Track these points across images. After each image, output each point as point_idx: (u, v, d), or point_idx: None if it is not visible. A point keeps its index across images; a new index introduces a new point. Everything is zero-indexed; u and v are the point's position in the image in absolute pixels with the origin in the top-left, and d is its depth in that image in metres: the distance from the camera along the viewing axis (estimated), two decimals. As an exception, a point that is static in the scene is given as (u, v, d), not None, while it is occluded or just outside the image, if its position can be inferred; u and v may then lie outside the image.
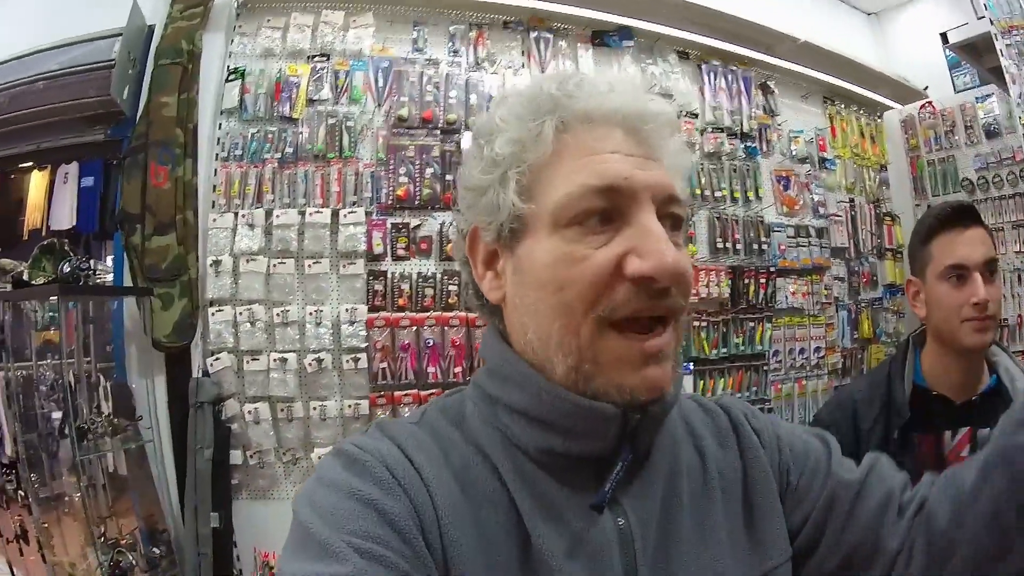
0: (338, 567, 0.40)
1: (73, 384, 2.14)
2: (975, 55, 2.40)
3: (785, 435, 0.59)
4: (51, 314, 2.23)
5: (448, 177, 2.08)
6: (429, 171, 2.07)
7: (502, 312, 0.53)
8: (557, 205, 0.46)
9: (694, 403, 0.60)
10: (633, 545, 0.48)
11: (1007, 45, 1.93)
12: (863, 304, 2.79)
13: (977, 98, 2.83)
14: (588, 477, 0.49)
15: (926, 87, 2.95)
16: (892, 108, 3.02)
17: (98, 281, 2.18)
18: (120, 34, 2.18)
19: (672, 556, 0.49)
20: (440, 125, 2.10)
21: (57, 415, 2.14)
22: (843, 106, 2.86)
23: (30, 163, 2.56)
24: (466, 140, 2.09)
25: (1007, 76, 1.92)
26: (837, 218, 2.70)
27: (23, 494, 2.25)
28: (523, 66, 2.22)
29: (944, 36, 2.45)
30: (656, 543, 0.49)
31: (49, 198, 2.41)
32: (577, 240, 0.46)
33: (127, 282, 2.08)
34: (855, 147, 2.85)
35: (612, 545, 0.47)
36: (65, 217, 2.33)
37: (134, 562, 1.92)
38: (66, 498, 2.20)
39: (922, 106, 2.98)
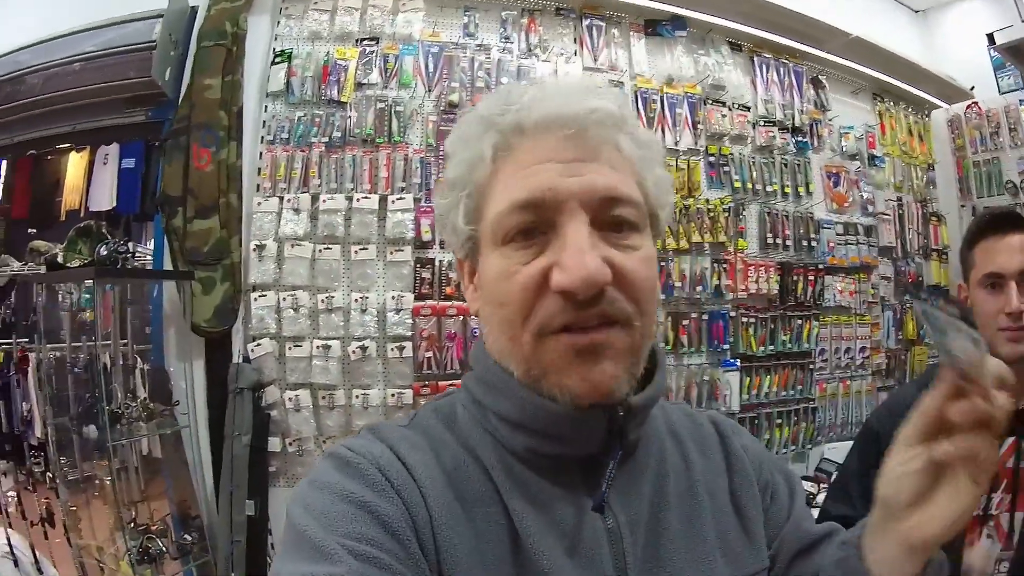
0: (333, 569, 0.41)
1: (109, 367, 2.11)
2: (1020, 57, 2.34)
3: (767, 462, 0.60)
4: (87, 296, 2.20)
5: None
6: (479, 158, 2.01)
7: None
8: (493, 223, 0.48)
9: (681, 411, 0.61)
10: (622, 544, 0.48)
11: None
12: (908, 305, 2.73)
13: (1021, 100, 2.78)
14: (577, 476, 0.50)
15: (972, 87, 2.89)
16: (939, 107, 2.97)
17: (137, 264, 2.14)
18: (161, 15, 2.14)
19: (661, 555, 0.50)
20: None
21: (90, 399, 2.11)
22: (892, 103, 2.81)
23: (67, 144, 2.53)
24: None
25: None
26: (885, 216, 2.65)
27: (51, 476, 2.22)
28: (575, 54, 2.17)
29: (991, 37, 2.41)
30: (645, 542, 0.49)
31: (88, 179, 2.37)
32: (510, 256, 0.47)
33: (167, 265, 2.04)
34: (903, 145, 2.80)
35: (602, 544, 0.48)
36: (105, 198, 2.29)
37: (164, 548, 1.88)
38: (96, 481, 2.17)
39: (968, 106, 2.93)
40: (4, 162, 2.73)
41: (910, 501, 0.40)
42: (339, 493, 0.45)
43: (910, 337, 2.74)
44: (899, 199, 2.74)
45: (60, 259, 2.12)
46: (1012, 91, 2.84)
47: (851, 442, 1.31)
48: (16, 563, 2.15)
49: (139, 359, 2.20)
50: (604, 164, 0.47)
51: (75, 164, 2.45)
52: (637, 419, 0.50)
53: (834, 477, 1.27)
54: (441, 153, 2.02)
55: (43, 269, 2.20)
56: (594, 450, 0.49)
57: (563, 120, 0.47)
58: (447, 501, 0.47)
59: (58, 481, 2.16)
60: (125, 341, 2.17)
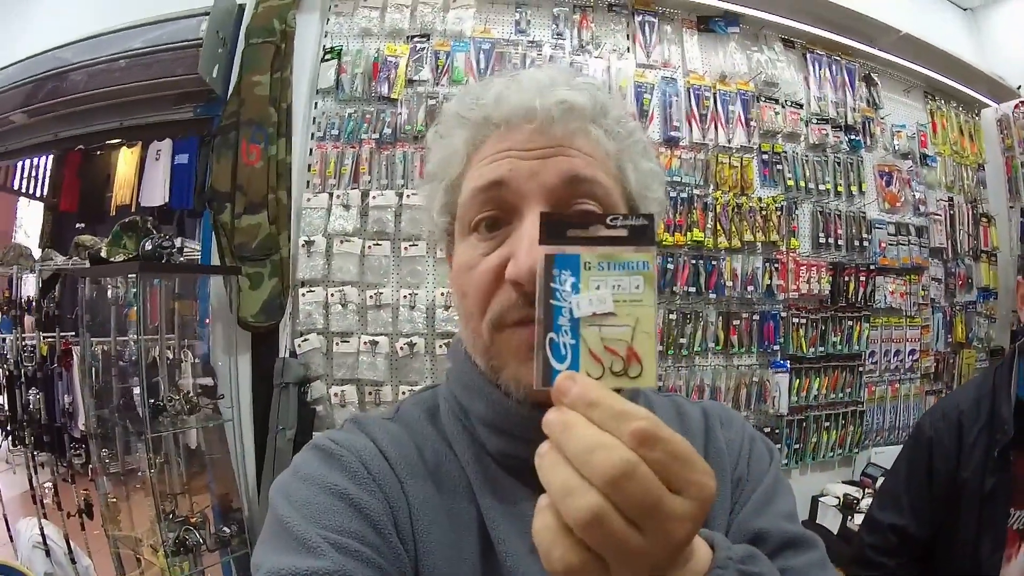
0: (315, 562, 0.40)
1: (157, 360, 2.09)
2: None
3: (754, 458, 0.55)
4: (133, 291, 2.18)
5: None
6: (530, 155, 1.96)
7: None
8: (460, 215, 0.47)
9: (669, 403, 0.58)
10: None
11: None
12: (958, 307, 2.63)
13: None
14: None
15: (1019, 86, 2.78)
16: (988, 106, 2.87)
17: (184, 260, 2.12)
18: (207, 13, 2.11)
19: None
20: None
21: (136, 391, 2.09)
22: (943, 102, 2.71)
23: (117, 140, 2.52)
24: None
25: None
26: (936, 217, 2.55)
27: (92, 468, 2.21)
28: (628, 50, 2.10)
29: None
30: None
31: (139, 175, 2.35)
32: (474, 246, 0.46)
33: (214, 261, 2.02)
34: (955, 144, 2.70)
35: None
36: (157, 194, 2.28)
37: (202, 540, 1.85)
38: (139, 473, 2.15)
39: (1016, 105, 2.82)
40: (51, 157, 2.74)
41: None
42: (322, 485, 0.44)
43: (959, 340, 2.64)
44: (950, 199, 2.64)
45: (104, 253, 2.10)
46: (1058, 90, 2.74)
47: (898, 447, 1.25)
48: (48, 553, 2.14)
49: (187, 353, 2.18)
50: (573, 156, 0.45)
51: (126, 160, 2.44)
52: None
53: (882, 483, 1.21)
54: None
55: (88, 263, 2.18)
56: None
57: (530, 113, 0.45)
58: (426, 495, 0.47)
59: (99, 473, 2.14)
60: (171, 336, 2.16)
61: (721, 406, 0.59)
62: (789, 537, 0.50)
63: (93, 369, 2.24)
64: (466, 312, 0.47)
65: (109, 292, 2.29)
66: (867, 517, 1.16)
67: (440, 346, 1.91)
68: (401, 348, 1.91)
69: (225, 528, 1.95)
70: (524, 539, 0.46)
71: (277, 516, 0.43)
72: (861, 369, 2.33)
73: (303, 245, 1.95)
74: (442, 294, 1.92)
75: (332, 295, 1.94)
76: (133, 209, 2.31)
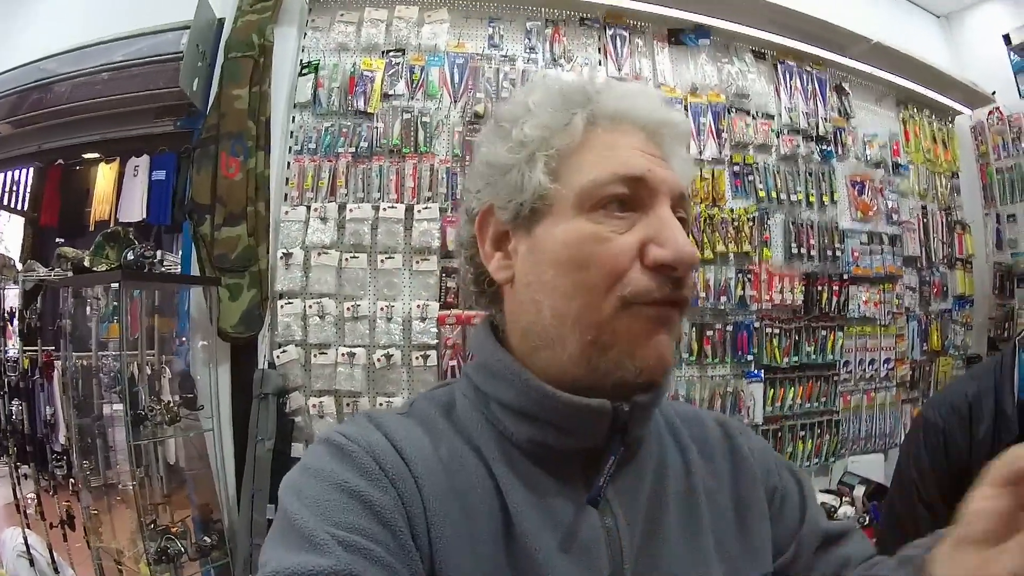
0: (321, 560, 0.40)
1: (136, 372, 2.13)
2: None
3: (776, 465, 0.59)
4: (115, 304, 2.22)
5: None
6: (505, 168, 2.01)
7: (500, 300, 0.53)
8: (583, 189, 0.47)
9: (686, 412, 0.60)
10: (620, 543, 0.47)
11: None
12: (933, 315, 2.69)
13: None
14: (578, 469, 0.49)
15: (993, 92, 2.85)
16: (962, 113, 2.93)
17: (164, 271, 2.16)
18: (188, 27, 2.16)
19: (657, 558, 0.49)
20: None
21: (118, 405, 2.13)
22: (916, 110, 2.77)
23: (96, 155, 2.57)
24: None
25: None
26: (910, 225, 2.61)
27: (73, 481, 2.25)
28: (599, 63, 2.16)
29: (1007, 37, 2.37)
30: (642, 543, 0.48)
31: (118, 191, 2.39)
32: (602, 222, 0.47)
33: (194, 272, 2.06)
34: (928, 152, 2.76)
35: (600, 543, 0.47)
36: (135, 210, 2.33)
37: (183, 549, 1.89)
38: (120, 486, 2.19)
39: (990, 112, 2.88)
40: (32, 169, 2.78)
41: (984, 538, 0.38)
42: (332, 481, 0.44)
43: (935, 348, 2.70)
44: (924, 207, 2.70)
45: (87, 263, 2.14)
46: (1033, 94, 2.79)
47: (875, 455, 1.25)
48: (32, 563, 2.18)
49: (167, 368, 2.22)
50: (673, 169, 0.50)
51: (104, 175, 2.48)
52: (641, 416, 0.49)
53: (897, 482, 1.15)
54: (467, 163, 2.03)
55: (70, 274, 2.22)
56: (596, 444, 0.48)
57: (655, 122, 0.49)
58: (442, 492, 0.46)
59: (80, 486, 2.18)
60: (151, 352, 2.20)
61: (727, 417, 0.62)
62: (842, 529, 0.56)
63: (74, 381, 2.29)
64: (579, 284, 0.46)
65: (88, 307, 2.34)
66: (891, 517, 1.12)
67: (416, 358, 1.96)
68: (378, 360, 1.96)
69: (206, 538, 1.98)
70: (554, 532, 0.46)
71: (285, 512, 0.43)
72: (836, 378, 2.38)
73: (281, 257, 2.00)
74: (418, 306, 1.97)
75: (310, 307, 1.98)
76: (112, 225, 2.34)
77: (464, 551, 0.45)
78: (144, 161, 2.37)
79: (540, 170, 0.48)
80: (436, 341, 1.96)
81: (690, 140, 0.55)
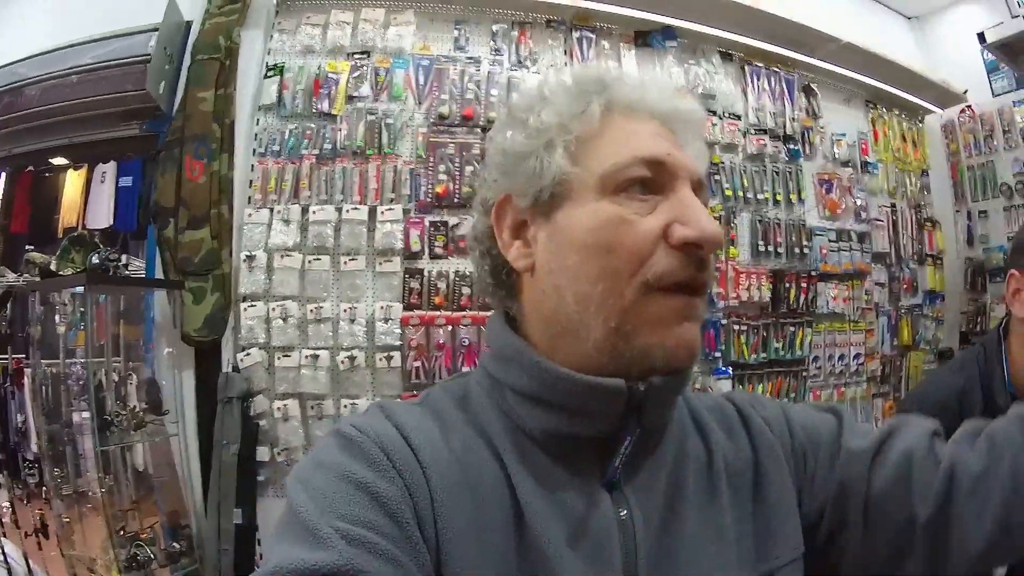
0: (323, 554, 0.39)
1: (104, 378, 2.12)
2: (1012, 55, 2.33)
3: (796, 416, 0.57)
4: (82, 309, 2.21)
5: (488, 175, 2.02)
6: (469, 169, 2.02)
7: (518, 292, 0.53)
8: (605, 172, 0.47)
9: (704, 397, 0.59)
10: (635, 538, 0.46)
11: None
12: (903, 310, 2.70)
13: (1015, 102, 2.75)
14: (593, 459, 0.48)
15: (965, 91, 2.87)
16: (933, 112, 2.95)
17: (129, 275, 2.15)
18: (156, 29, 2.16)
19: (673, 551, 0.47)
20: (481, 123, 2.05)
21: (86, 412, 2.11)
22: (885, 109, 2.78)
23: (65, 161, 2.55)
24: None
25: None
26: (879, 223, 2.63)
27: (45, 489, 2.22)
28: (565, 65, 2.15)
29: (981, 36, 2.39)
30: (657, 537, 0.47)
31: (86, 197, 2.38)
32: (624, 204, 0.47)
33: (159, 276, 2.05)
34: (897, 151, 2.77)
35: (612, 536, 0.46)
36: (103, 216, 2.31)
37: (152, 556, 1.87)
38: (90, 493, 2.16)
39: (961, 110, 2.90)
40: (3, 175, 2.76)
41: None
42: (339, 472, 0.44)
43: (906, 343, 2.71)
44: (893, 205, 2.71)
45: (53, 267, 2.13)
46: (1006, 93, 2.81)
47: None
48: (10, 572, 2.15)
49: (133, 374, 2.21)
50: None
51: (73, 182, 2.47)
52: (658, 399, 0.48)
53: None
54: (431, 164, 2.02)
55: (39, 279, 2.20)
56: (611, 428, 0.47)
57: (669, 112, 0.50)
58: (451, 483, 0.46)
59: (52, 494, 2.16)
60: (117, 359, 2.18)
61: (743, 392, 0.63)
62: (887, 430, 0.53)
63: (44, 389, 2.26)
64: (603, 268, 0.46)
65: (58, 313, 2.32)
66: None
67: (380, 359, 1.95)
68: (342, 362, 1.94)
69: (175, 544, 1.97)
70: (565, 524, 0.46)
71: (291, 505, 0.43)
72: (805, 374, 2.38)
73: (245, 260, 1.99)
74: (381, 308, 1.96)
75: (273, 309, 1.96)
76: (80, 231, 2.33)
77: (471, 542, 0.44)
78: (111, 167, 2.36)
79: (559, 155, 0.48)
80: (400, 342, 1.95)
81: (704, 129, 0.56)
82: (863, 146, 2.62)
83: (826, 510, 0.52)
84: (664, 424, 0.51)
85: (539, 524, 0.45)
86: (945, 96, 2.87)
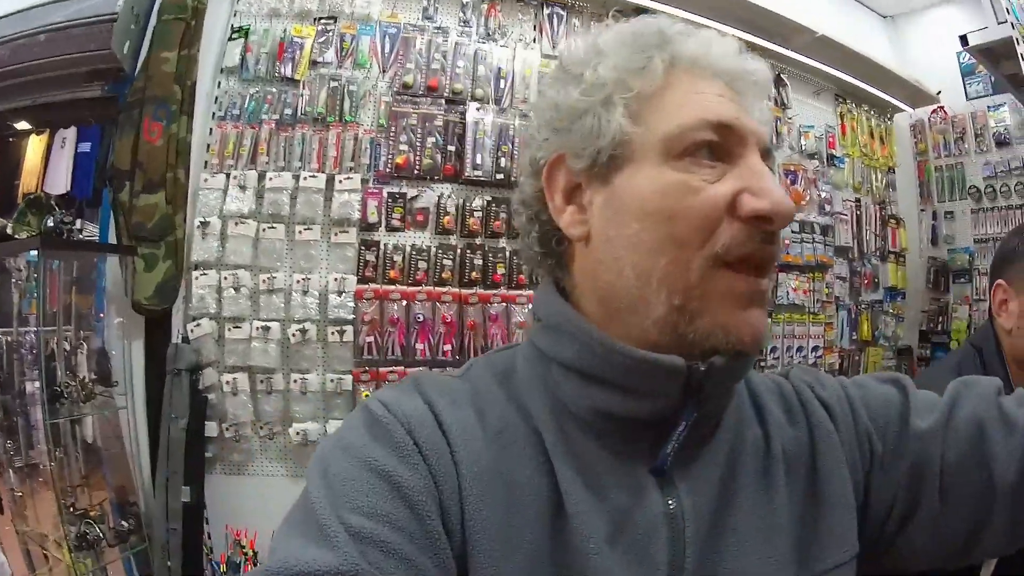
0: (328, 555, 0.36)
1: (55, 347, 2.01)
2: (993, 60, 2.28)
3: (857, 395, 0.51)
4: (36, 276, 2.10)
5: (450, 148, 1.93)
6: (431, 140, 1.93)
7: (568, 261, 0.48)
8: (669, 134, 0.43)
9: (759, 377, 0.54)
10: (683, 533, 0.42)
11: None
12: (864, 306, 2.66)
13: (989, 107, 2.73)
14: (643, 445, 0.44)
15: (939, 92, 2.84)
16: (903, 111, 2.92)
17: (83, 239, 2.04)
18: (126, -13, 2.03)
19: (723, 548, 0.43)
20: (445, 94, 1.97)
21: (37, 382, 2.01)
22: (854, 105, 2.75)
23: (28, 126, 2.43)
24: (472, 109, 1.96)
25: None
26: (843, 217, 2.59)
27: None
28: (534, 40, 2.09)
29: (964, 39, 2.33)
30: (707, 532, 0.43)
31: (46, 162, 2.26)
32: (691, 170, 0.42)
33: (113, 242, 1.95)
34: (864, 147, 2.74)
35: (659, 531, 0.42)
36: (61, 182, 2.19)
37: (102, 534, 1.77)
38: (41, 466, 2.06)
39: (933, 111, 2.88)
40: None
41: None
42: (360, 457, 0.41)
43: (865, 338, 2.68)
44: (857, 200, 2.68)
45: (9, 230, 2.02)
46: (980, 97, 2.78)
47: None
48: None
49: (85, 343, 2.10)
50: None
51: (34, 147, 2.35)
52: (718, 382, 0.43)
53: None
54: (392, 134, 1.92)
55: (-5, 244, 2.08)
56: (665, 411, 0.43)
57: (735, 71, 0.45)
58: (483, 468, 0.42)
59: (4, 467, 2.04)
60: (68, 328, 2.07)
61: (804, 369, 0.55)
62: (949, 399, 0.49)
63: (-1, 359, 2.14)
64: (667, 238, 0.41)
65: (14, 280, 2.20)
66: None
67: (332, 333, 1.85)
68: (293, 334, 1.86)
69: (123, 522, 1.87)
70: (606, 516, 0.41)
71: (308, 491, 0.40)
72: (763, 364, 2.34)
73: (198, 226, 1.89)
74: (335, 280, 1.87)
75: (225, 278, 1.87)
76: (39, 198, 2.22)
77: (501, 534, 0.40)
78: (72, 133, 2.25)
79: (620, 113, 0.43)
80: (353, 316, 1.86)
81: (770, 92, 0.49)
82: (830, 140, 2.58)
83: (897, 495, 0.48)
84: (722, 409, 0.46)
85: (579, 515, 0.41)
86: (916, 96, 2.85)
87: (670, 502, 0.43)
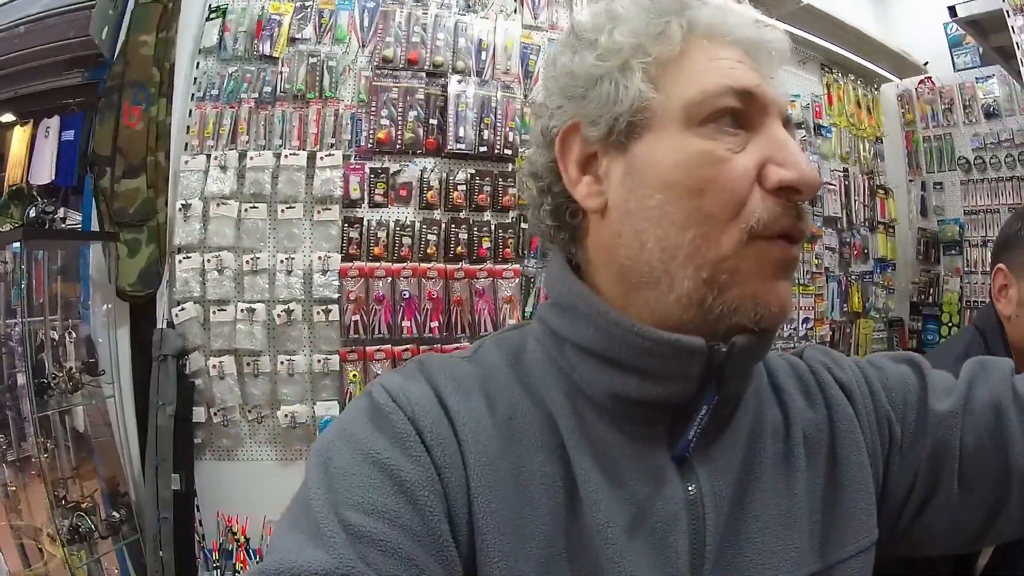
0: (323, 556, 0.34)
1: (45, 338, 1.95)
2: (982, 32, 2.20)
3: (875, 377, 0.49)
4: (23, 267, 2.04)
5: (432, 122, 1.86)
6: (412, 114, 1.86)
7: (581, 236, 0.45)
8: (691, 100, 0.40)
9: (774, 356, 0.51)
10: (704, 520, 0.40)
11: (1021, 25, 1.72)
12: (853, 277, 2.60)
13: (977, 78, 2.66)
14: (662, 429, 0.42)
15: (926, 62, 2.77)
16: (889, 81, 2.85)
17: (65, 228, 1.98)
18: (103, -26, 1.96)
19: (743, 537, 0.41)
20: (426, 68, 1.90)
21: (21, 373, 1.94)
22: (840, 74, 2.68)
23: (12, 118, 2.37)
24: (453, 82, 1.88)
25: (1018, 54, 1.71)
26: (831, 186, 2.53)
27: None
28: (515, 11, 2.01)
29: (952, 9, 2.25)
30: (728, 519, 0.41)
31: (31, 153, 2.20)
32: (712, 139, 0.40)
33: (95, 230, 1.89)
34: (851, 117, 2.68)
35: (679, 518, 0.40)
36: (45, 172, 2.13)
37: (93, 526, 1.73)
38: (33, 459, 2.00)
39: (920, 82, 2.81)
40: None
41: None
42: (362, 449, 0.38)
43: (856, 309, 2.63)
44: (845, 170, 2.62)
45: None
46: (967, 68, 2.70)
47: None
48: None
49: (73, 332, 2.04)
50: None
51: (19, 138, 2.30)
52: (740, 363, 0.41)
53: None
54: (373, 109, 1.85)
55: (-21, 237, 2.02)
56: (685, 394, 0.40)
57: (753, 39, 0.43)
58: (492, 458, 0.39)
59: None
60: (55, 317, 2.01)
61: (819, 349, 0.52)
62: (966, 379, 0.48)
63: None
64: (696, 212, 0.39)
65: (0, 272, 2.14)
66: None
67: (317, 312, 1.79)
68: (279, 315, 1.79)
69: (115, 513, 1.82)
70: (624, 505, 0.39)
71: (307, 484, 0.38)
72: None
73: (180, 209, 1.82)
74: (319, 258, 1.80)
75: (209, 261, 1.81)
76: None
77: (512, 527, 0.38)
78: (55, 122, 2.19)
79: (639, 78, 0.41)
80: (338, 295, 1.80)
81: (787, 61, 0.45)
82: (816, 109, 2.51)
83: (917, 479, 0.47)
84: (743, 391, 0.45)
85: (596, 504, 0.39)
86: (903, 66, 2.78)
87: (690, 488, 0.41)
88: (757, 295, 0.39)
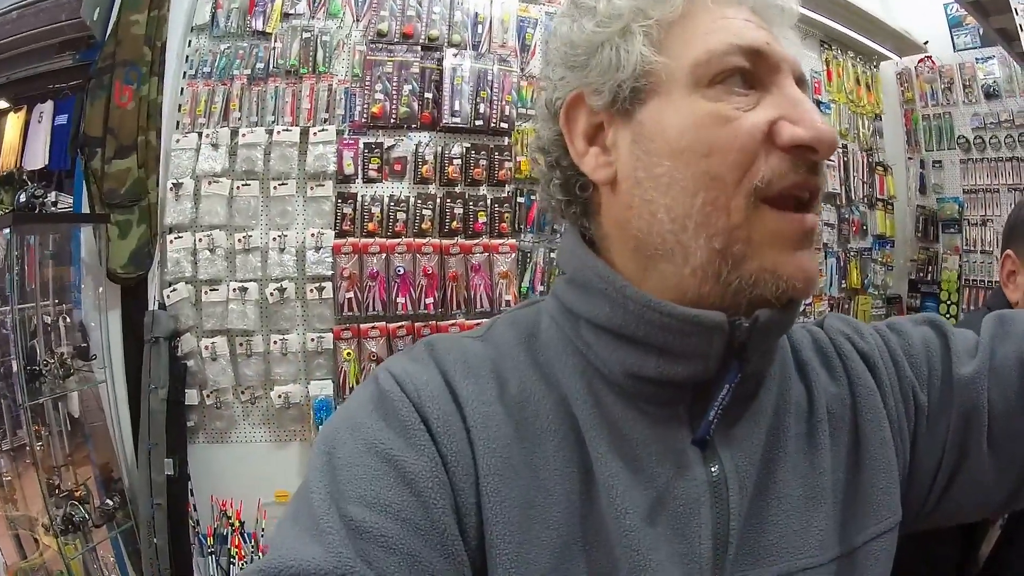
0: (321, 553, 0.32)
1: (39, 323, 1.88)
2: (983, 12, 2.13)
3: (898, 345, 0.46)
4: (15, 252, 1.97)
5: (427, 96, 1.78)
6: (407, 88, 1.79)
7: (594, 210, 0.42)
8: (697, 60, 0.37)
9: (800, 327, 0.48)
10: (727, 501, 0.38)
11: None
12: (852, 253, 2.54)
13: (978, 59, 2.58)
14: (682, 409, 0.39)
15: (926, 41, 2.70)
16: (889, 59, 2.79)
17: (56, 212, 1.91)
18: (94, -46, 1.90)
19: (767, 519, 0.39)
20: (421, 41, 1.82)
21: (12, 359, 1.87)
22: (840, 51, 2.61)
23: (6, 105, 2.30)
24: (449, 56, 1.80)
25: (1022, 36, 1.63)
26: (830, 162, 2.44)
27: None
28: (510, -17, 1.91)
29: None
30: (752, 501, 0.39)
31: (24, 138, 2.13)
32: (723, 99, 0.37)
33: (86, 212, 1.82)
34: (851, 93, 2.61)
35: (702, 501, 0.38)
36: (39, 156, 2.06)
37: (87, 515, 1.66)
38: (28, 447, 1.93)
39: (920, 60, 2.74)
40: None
41: None
42: (366, 440, 0.36)
43: (855, 286, 2.57)
44: (844, 147, 2.56)
45: None
46: (967, 49, 2.63)
47: None
48: None
49: (66, 316, 1.97)
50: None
51: (13, 124, 2.24)
52: (763, 338, 0.38)
53: None
54: (367, 83, 1.77)
55: (-29, 223, 1.96)
56: (706, 372, 0.37)
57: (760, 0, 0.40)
58: (503, 444, 0.37)
59: None
60: (47, 301, 1.94)
61: (839, 317, 0.48)
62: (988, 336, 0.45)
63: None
64: (703, 175, 0.36)
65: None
66: None
67: (311, 290, 1.71)
68: (272, 294, 1.72)
69: (108, 501, 1.76)
70: (641, 490, 0.37)
71: (309, 478, 0.36)
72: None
73: (171, 188, 1.75)
74: (312, 235, 1.73)
75: (200, 240, 1.74)
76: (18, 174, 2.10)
77: (524, 516, 0.36)
78: (48, 107, 2.14)
79: (640, 42, 0.38)
80: (331, 272, 1.73)
81: (796, 20, 0.39)
82: (816, 85, 2.45)
83: (946, 447, 0.44)
84: (767, 367, 0.42)
85: (614, 489, 0.37)
86: (903, 44, 2.71)
87: (713, 468, 0.38)
88: (777, 269, 0.36)
